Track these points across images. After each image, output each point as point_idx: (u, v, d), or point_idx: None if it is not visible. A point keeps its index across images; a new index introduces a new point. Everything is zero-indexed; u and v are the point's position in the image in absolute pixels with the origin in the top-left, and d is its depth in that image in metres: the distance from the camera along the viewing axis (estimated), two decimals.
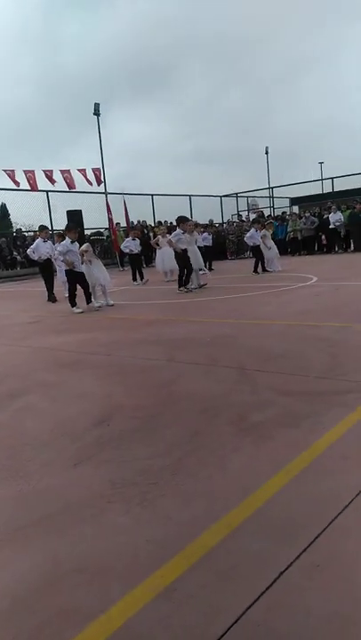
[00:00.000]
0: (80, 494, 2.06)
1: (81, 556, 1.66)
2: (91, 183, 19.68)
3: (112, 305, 8.21)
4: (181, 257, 9.19)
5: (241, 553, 1.61)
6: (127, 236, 17.41)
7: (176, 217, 9.97)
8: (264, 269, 11.90)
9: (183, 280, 9.29)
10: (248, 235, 12.41)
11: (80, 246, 8.12)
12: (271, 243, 12.24)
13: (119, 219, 19.88)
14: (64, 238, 8.39)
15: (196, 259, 9.57)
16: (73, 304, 7.97)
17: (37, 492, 2.12)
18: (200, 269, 9.96)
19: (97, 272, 8.16)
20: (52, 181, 18.49)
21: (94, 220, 19.51)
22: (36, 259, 9.78)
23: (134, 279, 11.99)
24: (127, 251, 12.19)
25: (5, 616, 1.43)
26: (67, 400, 3.42)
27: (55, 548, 1.72)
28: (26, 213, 20.07)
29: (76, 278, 8.03)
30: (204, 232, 14.09)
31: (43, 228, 10.37)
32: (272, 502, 1.87)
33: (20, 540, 1.79)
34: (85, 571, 1.59)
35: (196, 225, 11.93)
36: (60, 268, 9.29)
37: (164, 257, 11.84)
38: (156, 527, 1.78)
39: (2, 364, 4.67)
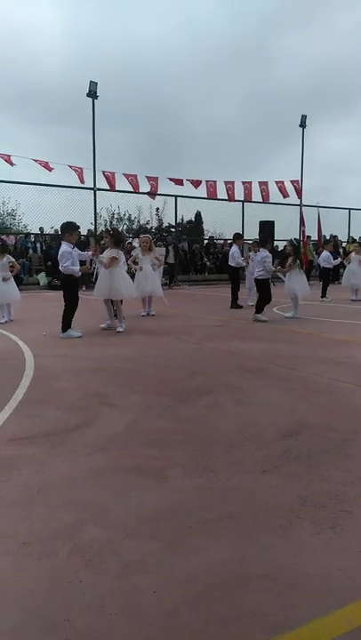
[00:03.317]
0: (268, 502, 2.06)
1: (269, 565, 1.66)
2: (285, 196, 19.70)
3: (297, 317, 8.22)
4: None
5: None
6: (317, 250, 16.86)
7: None
8: None
9: None
10: None
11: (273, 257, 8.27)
12: None
13: (310, 232, 19.55)
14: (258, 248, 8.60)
15: None
16: (259, 311, 8.06)
17: (226, 490, 2.19)
18: None
19: (293, 283, 8.21)
20: (249, 197, 19.00)
21: (286, 232, 19.54)
22: (233, 265, 9.98)
23: (323, 295, 11.59)
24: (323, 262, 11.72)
25: (197, 599, 1.50)
26: (251, 406, 3.47)
27: (243, 549, 1.75)
28: (219, 222, 21.15)
29: (267, 287, 8.14)
30: None
31: (239, 236, 10.51)
32: None
33: (208, 532, 1.87)
34: (273, 580, 1.58)
35: None
36: (250, 276, 9.47)
37: (355, 274, 11.19)
38: (350, 557, 1.68)
39: (191, 362, 4.96)
